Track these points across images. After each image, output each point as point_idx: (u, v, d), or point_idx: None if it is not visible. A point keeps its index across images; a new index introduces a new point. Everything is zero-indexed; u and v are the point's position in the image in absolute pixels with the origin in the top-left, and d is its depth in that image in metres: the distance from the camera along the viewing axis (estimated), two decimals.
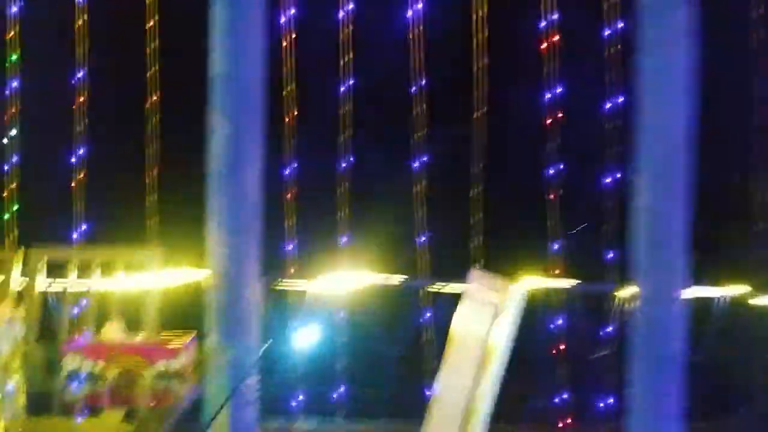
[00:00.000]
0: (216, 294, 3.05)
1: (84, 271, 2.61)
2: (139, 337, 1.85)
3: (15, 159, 3.88)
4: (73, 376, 1.72)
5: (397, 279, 3.64)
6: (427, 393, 3.44)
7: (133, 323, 2.52)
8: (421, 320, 3.63)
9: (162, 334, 2.06)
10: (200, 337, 3.18)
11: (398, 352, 3.70)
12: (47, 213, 3.89)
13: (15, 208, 3.84)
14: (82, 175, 3.78)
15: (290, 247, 3.60)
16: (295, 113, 3.62)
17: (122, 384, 1.69)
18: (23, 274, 2.59)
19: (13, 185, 3.86)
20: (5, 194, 3.86)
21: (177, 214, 3.42)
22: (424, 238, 3.66)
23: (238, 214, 3.09)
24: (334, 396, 3.64)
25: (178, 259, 3.58)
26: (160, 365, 1.70)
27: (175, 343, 1.77)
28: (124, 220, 3.77)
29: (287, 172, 3.60)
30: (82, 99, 3.79)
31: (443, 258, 3.71)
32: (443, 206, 3.77)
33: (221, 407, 1.94)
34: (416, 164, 3.72)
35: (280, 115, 3.58)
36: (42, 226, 3.80)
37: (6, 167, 3.87)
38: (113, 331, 1.82)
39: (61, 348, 1.76)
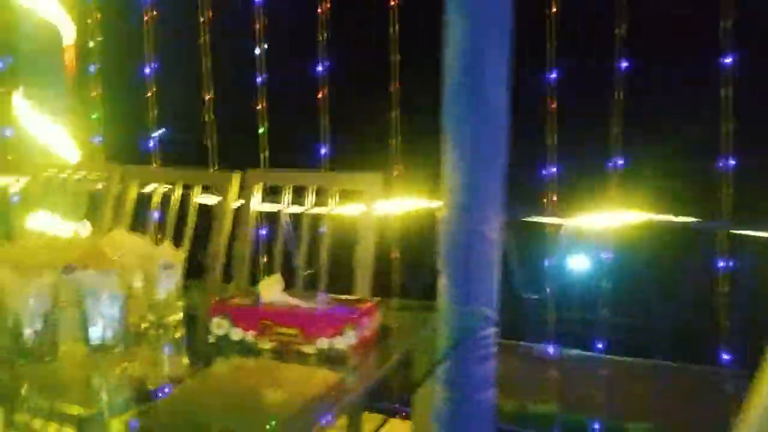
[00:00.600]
0: (449, 229, 2.61)
1: (306, 196, 2.33)
2: (307, 301, 1.42)
3: (264, 76, 3.74)
4: (218, 344, 1.35)
5: (683, 217, 2.84)
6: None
7: (342, 261, 2.19)
8: (713, 269, 2.78)
9: (344, 297, 1.60)
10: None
11: (677, 305, 2.96)
12: (293, 131, 3.74)
13: (265, 127, 3.73)
14: (325, 91, 3.51)
15: (544, 172, 2.96)
16: (555, 7, 2.90)
17: (271, 364, 1.29)
18: (240, 198, 2.41)
19: (263, 104, 3.74)
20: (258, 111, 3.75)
21: (421, 132, 2.98)
22: (728, 163, 2.75)
23: (479, 133, 2.57)
24: (598, 345, 3.02)
25: (415, 186, 3.19)
26: (322, 343, 1.26)
27: (349, 313, 1.31)
28: (366, 139, 3.47)
29: (545, 79, 2.93)
30: (326, 5, 3.48)
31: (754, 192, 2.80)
32: (759, 121, 2.83)
33: (440, 360, 1.52)
34: (724, 61, 2.76)
35: (538, 10, 2.90)
36: (286, 145, 3.66)
37: (256, 83, 3.74)
38: (272, 290, 1.42)
39: (209, 309, 1.40)
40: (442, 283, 2.52)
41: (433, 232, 2.61)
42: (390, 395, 2.39)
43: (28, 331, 1.25)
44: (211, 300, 1.49)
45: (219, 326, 1.38)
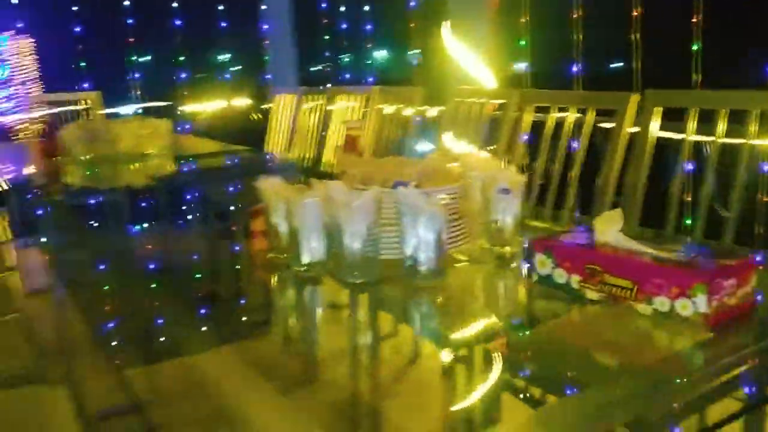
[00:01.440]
0: None
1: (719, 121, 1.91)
2: (655, 247, 1.11)
3: None
4: (540, 285, 1.16)
5: None
6: None
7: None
8: None
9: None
10: None
11: None
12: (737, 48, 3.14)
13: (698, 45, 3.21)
14: None
15: None
16: None
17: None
18: (637, 122, 2.10)
19: (698, 17, 3.21)
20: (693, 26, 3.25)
21: None
22: None
23: None
24: None
25: None
26: (661, 304, 0.97)
27: (702, 268, 0.98)
28: None
29: None
30: None
31: None
32: None
33: None
34: None
35: None
36: (727, 66, 3.09)
37: None
38: (609, 228, 1.14)
39: (535, 243, 1.20)
40: None
41: None
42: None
43: (351, 247, 1.23)
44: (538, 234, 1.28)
45: (543, 264, 1.17)
